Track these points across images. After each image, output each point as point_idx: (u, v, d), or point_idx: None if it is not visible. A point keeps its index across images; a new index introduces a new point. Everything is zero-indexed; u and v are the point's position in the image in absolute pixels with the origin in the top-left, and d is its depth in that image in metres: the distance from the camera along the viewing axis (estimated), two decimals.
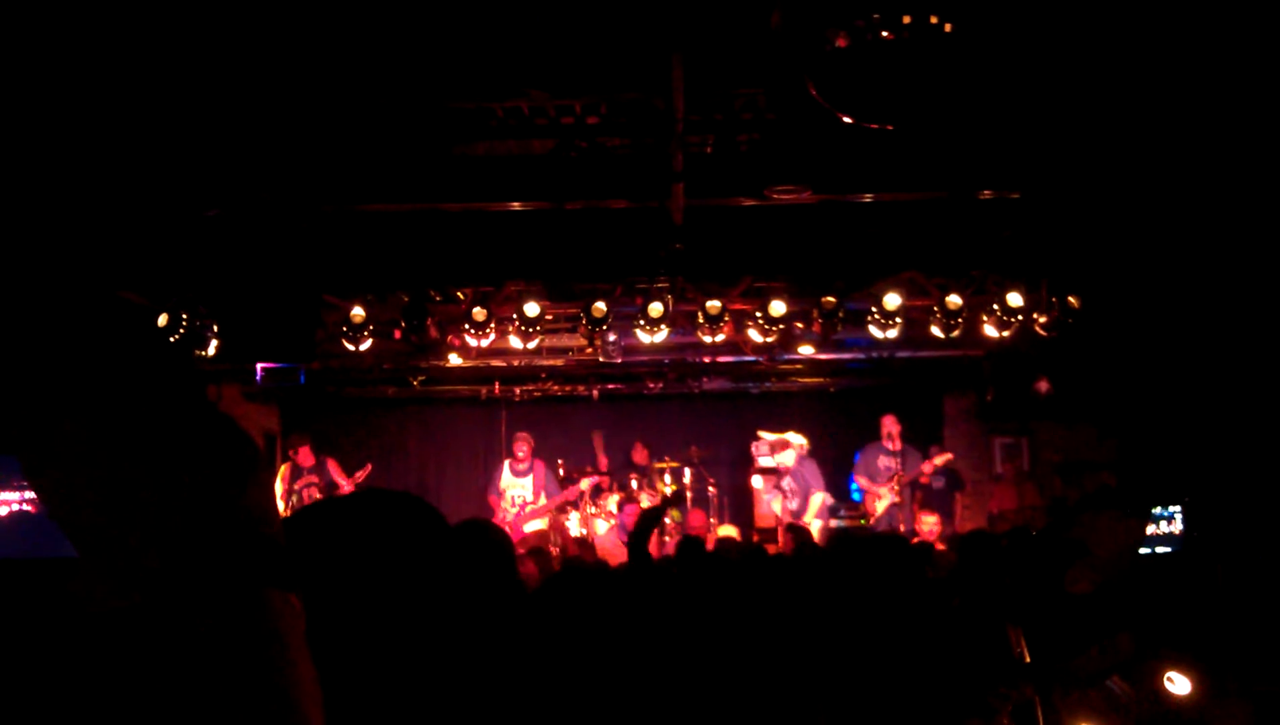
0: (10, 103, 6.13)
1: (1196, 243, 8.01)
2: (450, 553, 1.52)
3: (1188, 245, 8.09)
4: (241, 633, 0.93)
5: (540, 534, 11.64)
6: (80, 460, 0.95)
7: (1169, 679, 2.49)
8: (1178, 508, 7.28)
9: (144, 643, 0.92)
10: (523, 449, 12.11)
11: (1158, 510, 7.36)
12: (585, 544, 11.02)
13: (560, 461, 12.57)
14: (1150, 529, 7.30)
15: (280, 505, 11.43)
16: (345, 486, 11.95)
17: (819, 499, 11.66)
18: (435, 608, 1.46)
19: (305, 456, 12.11)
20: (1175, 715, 2.43)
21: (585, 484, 12.18)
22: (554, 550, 10.69)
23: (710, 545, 9.20)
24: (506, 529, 11.49)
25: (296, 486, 11.94)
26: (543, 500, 11.96)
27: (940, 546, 10.06)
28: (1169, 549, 7.45)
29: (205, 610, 0.92)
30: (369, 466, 12.53)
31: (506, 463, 12.27)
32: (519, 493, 12.04)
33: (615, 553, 10.21)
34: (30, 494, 7.48)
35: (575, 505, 12.55)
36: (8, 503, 8.41)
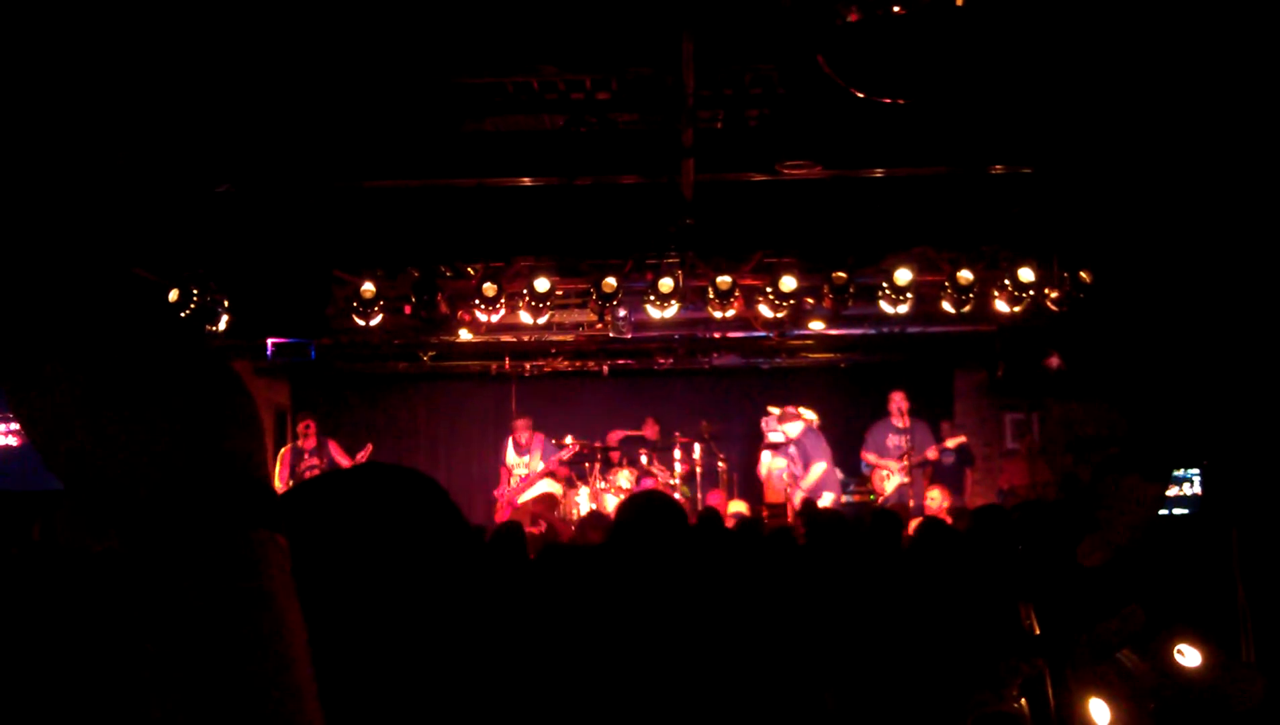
0: (21, 80, 6.13)
1: (1209, 217, 7.98)
2: (449, 525, 1.53)
3: (1200, 220, 8.06)
4: (226, 570, 0.93)
5: (545, 498, 11.76)
6: (66, 390, 0.95)
7: (1180, 651, 2.49)
8: (1196, 471, 7.30)
9: (126, 578, 0.92)
10: (524, 435, 12.26)
11: (1179, 473, 7.38)
12: (597, 518, 11.03)
13: (571, 437, 12.57)
14: (1172, 491, 7.32)
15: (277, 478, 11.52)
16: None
17: (819, 468, 11.69)
18: (432, 576, 1.47)
19: (309, 438, 12.14)
20: (1187, 688, 2.43)
21: (569, 440, 12.25)
22: (539, 527, 10.75)
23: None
24: (505, 500, 11.71)
25: (299, 469, 11.98)
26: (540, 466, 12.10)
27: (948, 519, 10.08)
28: (1186, 510, 7.47)
29: (189, 547, 0.93)
30: (370, 446, 12.55)
31: (510, 441, 12.40)
32: (520, 470, 12.17)
33: None
34: (14, 427, 7.47)
35: (584, 479, 12.60)
36: None
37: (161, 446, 0.94)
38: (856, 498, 12.56)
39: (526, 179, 8.02)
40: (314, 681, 0.95)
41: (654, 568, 3.00)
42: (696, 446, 13.05)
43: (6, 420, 8.34)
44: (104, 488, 0.93)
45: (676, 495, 12.03)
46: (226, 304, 9.97)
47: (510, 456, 12.36)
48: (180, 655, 0.88)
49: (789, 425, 11.98)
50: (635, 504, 3.30)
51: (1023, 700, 2.73)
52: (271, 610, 0.93)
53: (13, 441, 8.41)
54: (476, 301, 10.16)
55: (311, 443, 12.15)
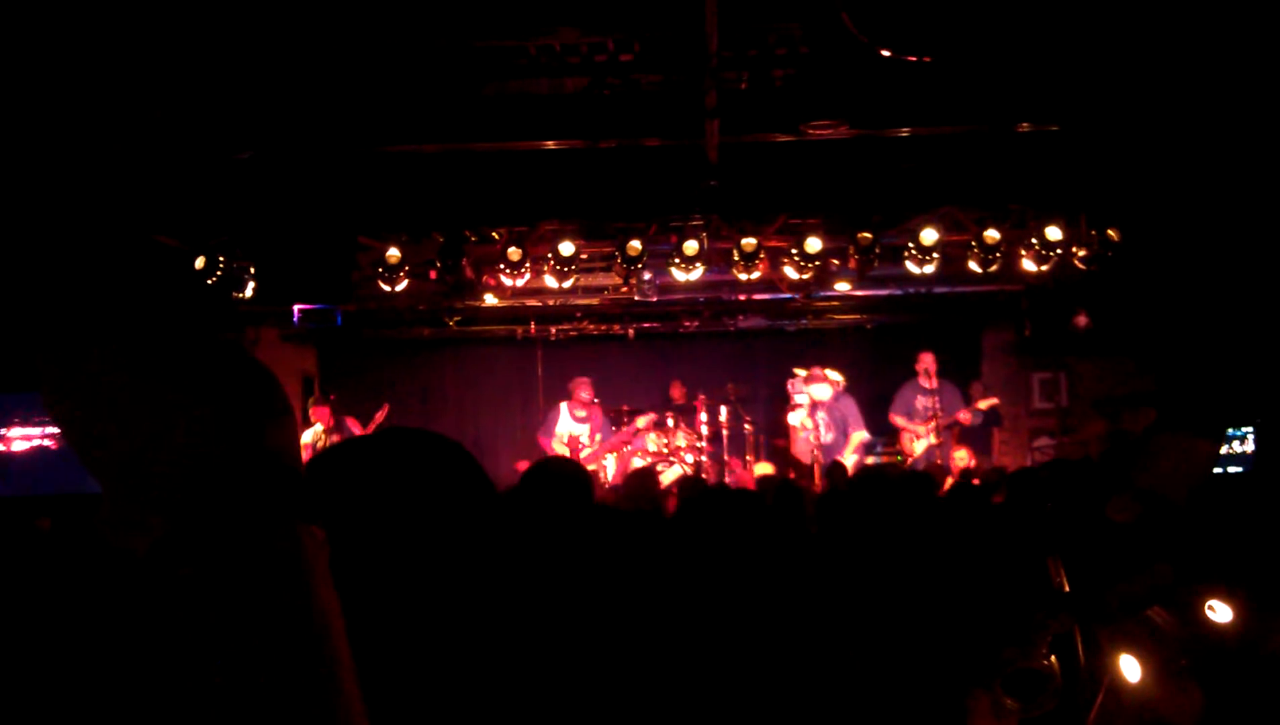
0: (44, 50, 6.14)
1: (1242, 170, 7.89)
2: (474, 486, 1.53)
3: (1232, 173, 7.98)
4: (265, 564, 0.94)
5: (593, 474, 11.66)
6: (101, 389, 0.96)
7: (1211, 607, 2.48)
8: (1250, 428, 7.26)
9: (167, 575, 0.93)
10: (585, 394, 11.96)
11: (1232, 430, 7.34)
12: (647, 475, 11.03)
13: (597, 400, 12.50)
14: (1223, 449, 7.27)
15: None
16: None
17: (859, 437, 11.64)
18: (460, 541, 1.47)
19: (325, 420, 12.01)
20: (1218, 644, 2.42)
21: (642, 422, 12.09)
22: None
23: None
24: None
25: (319, 448, 11.89)
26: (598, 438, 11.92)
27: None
28: (1240, 469, 7.43)
29: (229, 541, 0.93)
30: (386, 407, 12.45)
31: (565, 406, 12.11)
32: (578, 434, 11.93)
33: None
34: (52, 429, 7.54)
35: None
36: (29, 438, 8.50)
37: (205, 440, 0.95)
38: (884, 459, 12.53)
39: (550, 142, 8.00)
40: (352, 663, 0.96)
41: (702, 535, 3.01)
42: (723, 409, 13.04)
43: (43, 424, 8.41)
44: (145, 480, 0.94)
45: (691, 458, 12.03)
46: (253, 271, 10.01)
47: (565, 422, 11.97)
48: (223, 647, 0.89)
49: (815, 387, 11.90)
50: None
51: (1052, 657, 2.72)
52: (310, 600, 0.94)
53: (49, 444, 8.49)
54: (501, 266, 10.17)
55: (330, 423, 11.99)
